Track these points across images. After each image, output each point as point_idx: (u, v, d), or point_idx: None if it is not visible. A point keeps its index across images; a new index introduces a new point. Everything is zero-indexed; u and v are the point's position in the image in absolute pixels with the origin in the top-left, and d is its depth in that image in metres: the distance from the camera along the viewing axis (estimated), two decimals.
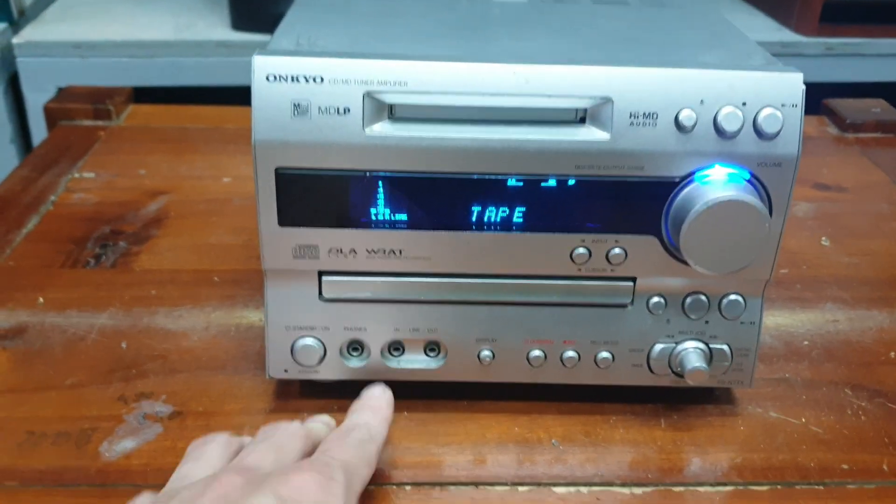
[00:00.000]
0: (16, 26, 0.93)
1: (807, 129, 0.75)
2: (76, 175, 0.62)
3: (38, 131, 0.92)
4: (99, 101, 0.71)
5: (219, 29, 0.94)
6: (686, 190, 0.36)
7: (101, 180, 0.61)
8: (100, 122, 0.70)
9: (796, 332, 0.48)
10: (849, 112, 0.76)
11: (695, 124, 0.35)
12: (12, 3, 0.91)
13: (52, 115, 0.70)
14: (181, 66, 0.91)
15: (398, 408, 0.41)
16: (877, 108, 0.77)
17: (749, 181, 0.36)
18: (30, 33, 0.92)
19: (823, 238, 0.58)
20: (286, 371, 0.39)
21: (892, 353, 0.47)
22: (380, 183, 0.36)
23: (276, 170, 0.35)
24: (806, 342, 0.47)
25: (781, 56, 0.99)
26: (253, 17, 0.92)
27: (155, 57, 0.91)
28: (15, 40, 0.90)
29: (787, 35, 1.02)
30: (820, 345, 0.47)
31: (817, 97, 0.81)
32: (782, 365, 0.45)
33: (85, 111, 0.70)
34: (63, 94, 0.73)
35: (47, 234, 0.55)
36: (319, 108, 0.34)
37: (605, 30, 0.41)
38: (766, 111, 0.35)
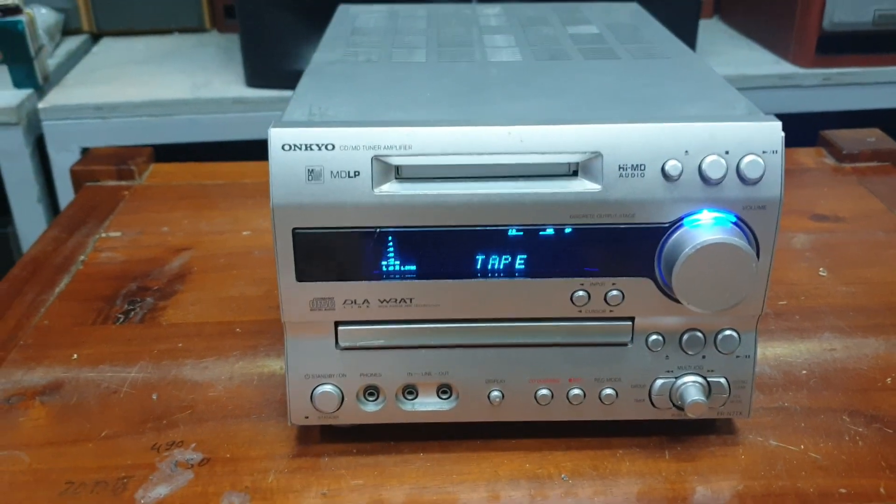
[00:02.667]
0: (40, 91, 0.98)
1: (804, 161, 0.77)
2: (103, 234, 0.65)
3: (64, 191, 0.96)
4: (122, 162, 0.75)
5: (234, 86, 0.98)
6: (676, 234, 0.38)
7: (126, 239, 0.65)
8: (123, 183, 0.74)
9: (794, 361, 0.50)
10: (845, 142, 0.78)
11: (681, 173, 0.37)
12: (37, 70, 0.96)
13: (78, 177, 0.74)
14: (199, 123, 0.95)
15: (415, 450, 0.43)
16: (872, 137, 0.79)
17: (735, 224, 0.38)
18: (54, 98, 0.96)
19: (821, 269, 0.60)
20: (307, 417, 0.42)
21: (889, 379, 0.48)
22: (389, 238, 0.38)
23: (294, 230, 0.38)
24: (804, 371, 0.49)
25: (780, 88, 1.03)
26: (266, 75, 0.96)
27: (173, 115, 0.95)
28: (40, 105, 0.94)
29: (785, 67, 1.05)
30: (818, 373, 0.49)
31: (816, 127, 0.84)
32: (781, 394, 0.47)
33: (109, 172, 0.74)
34: (88, 156, 0.77)
35: (78, 293, 0.58)
36: (332, 173, 0.37)
37: (596, 86, 0.44)
38: (748, 158, 0.37)
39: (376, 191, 0.37)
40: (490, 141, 0.37)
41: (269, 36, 0.94)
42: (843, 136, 0.79)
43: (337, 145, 0.37)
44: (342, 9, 0.63)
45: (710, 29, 1.20)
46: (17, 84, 0.96)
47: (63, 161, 0.94)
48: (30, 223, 0.96)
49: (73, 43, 1.14)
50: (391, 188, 0.38)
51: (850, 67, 1.02)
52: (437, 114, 0.40)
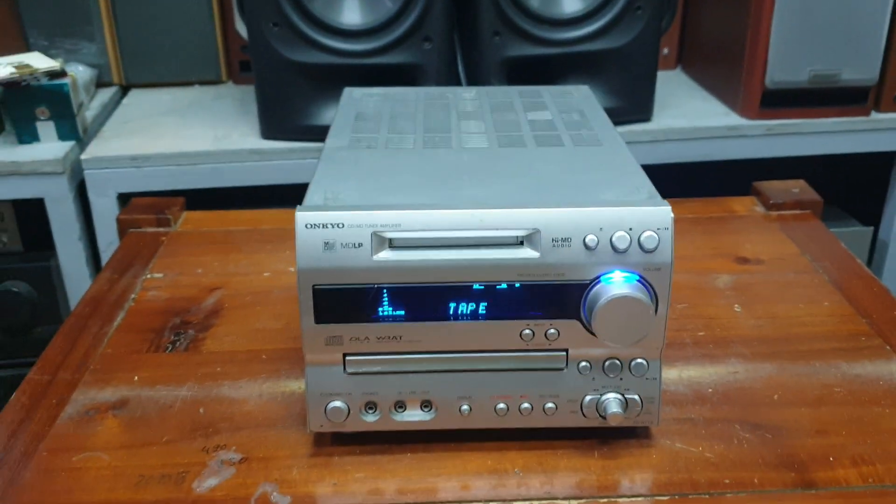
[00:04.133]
0: (81, 142, 1.12)
1: (737, 209, 0.91)
2: (148, 276, 0.79)
3: (102, 230, 1.09)
4: (160, 211, 0.88)
5: (250, 138, 1.12)
6: (595, 289, 0.51)
7: (168, 279, 0.78)
8: (161, 229, 0.87)
9: (703, 382, 0.63)
10: (773, 193, 0.92)
11: (597, 244, 0.51)
12: (79, 124, 1.10)
13: (123, 225, 0.88)
14: (220, 171, 1.09)
15: (404, 450, 0.56)
16: (796, 188, 0.93)
17: (639, 281, 0.51)
18: (94, 149, 1.10)
19: (736, 305, 0.73)
20: (321, 426, 0.55)
21: (776, 396, 0.62)
22: (384, 292, 0.52)
23: (314, 287, 0.51)
24: (710, 390, 0.62)
25: (728, 138, 1.16)
26: (279, 128, 1.10)
27: (198, 164, 1.09)
28: (83, 156, 1.08)
29: (733, 119, 1.18)
30: (721, 391, 0.62)
31: (760, 171, 0.97)
32: (689, 408, 0.60)
33: (149, 220, 0.87)
34: (130, 206, 0.90)
35: (133, 326, 0.71)
36: (341, 244, 0.51)
37: (541, 173, 0.58)
38: (647, 233, 0.51)
39: (374, 258, 0.51)
40: (458, 220, 0.51)
41: (282, 96, 1.08)
42: (772, 187, 0.93)
43: (345, 224, 0.51)
44: (347, 91, 0.77)
45: (673, 80, 1.34)
46: (62, 137, 1.09)
47: (102, 205, 1.07)
48: (71, 258, 1.10)
49: (105, 95, 1.27)
50: (386, 255, 0.51)
51: (790, 119, 1.16)
52: (420, 197, 0.53)
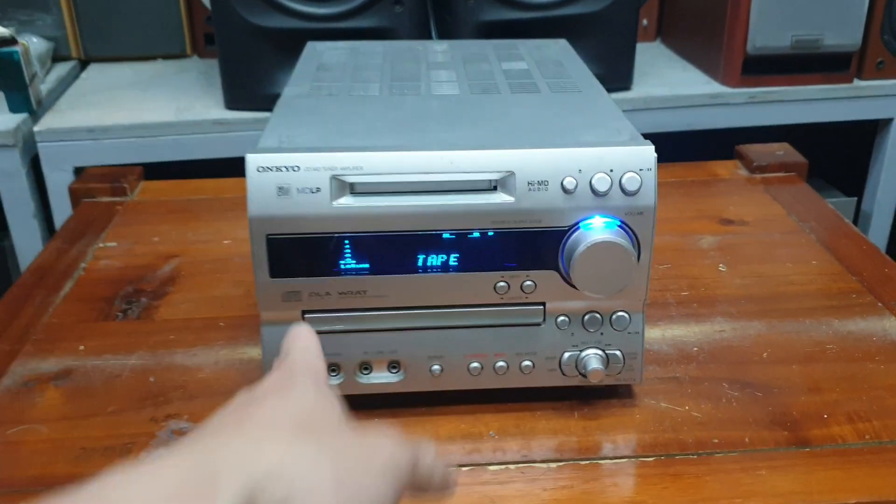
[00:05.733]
0: (34, 115, 1.06)
1: (721, 172, 0.88)
2: (101, 245, 0.74)
3: (58, 207, 1.04)
4: (115, 180, 0.83)
5: (214, 109, 1.07)
6: (574, 235, 0.48)
7: (122, 248, 0.73)
8: (117, 199, 0.82)
9: (688, 340, 0.60)
10: (756, 156, 0.88)
11: (576, 187, 0.47)
12: (31, 96, 1.04)
13: (76, 194, 0.83)
14: (183, 143, 1.04)
15: (371, 416, 0.52)
16: (780, 151, 0.90)
17: (620, 226, 0.48)
18: (48, 121, 1.05)
19: (721, 265, 0.70)
20: None
21: (765, 354, 0.58)
22: (345, 242, 0.48)
23: (267, 236, 0.47)
24: (696, 348, 0.59)
25: (710, 106, 1.13)
26: (244, 98, 1.05)
27: (159, 136, 1.04)
28: (36, 128, 1.03)
29: (715, 87, 1.15)
30: (707, 350, 0.59)
31: (740, 141, 0.94)
32: (674, 367, 0.57)
33: (104, 189, 0.83)
34: (84, 175, 0.86)
35: (82, 295, 0.66)
36: (297, 189, 0.46)
37: (516, 117, 0.54)
38: (628, 175, 0.47)
39: (334, 203, 0.47)
40: (426, 163, 0.47)
41: (247, 63, 1.03)
42: (756, 150, 0.89)
43: (302, 167, 0.46)
44: (310, 45, 0.73)
45: (652, 52, 1.30)
46: (13, 109, 1.04)
47: (57, 179, 1.02)
48: (26, 237, 1.05)
49: (63, 69, 1.22)
50: (346, 201, 0.47)
51: (773, 87, 1.13)
52: (384, 140, 0.50)
